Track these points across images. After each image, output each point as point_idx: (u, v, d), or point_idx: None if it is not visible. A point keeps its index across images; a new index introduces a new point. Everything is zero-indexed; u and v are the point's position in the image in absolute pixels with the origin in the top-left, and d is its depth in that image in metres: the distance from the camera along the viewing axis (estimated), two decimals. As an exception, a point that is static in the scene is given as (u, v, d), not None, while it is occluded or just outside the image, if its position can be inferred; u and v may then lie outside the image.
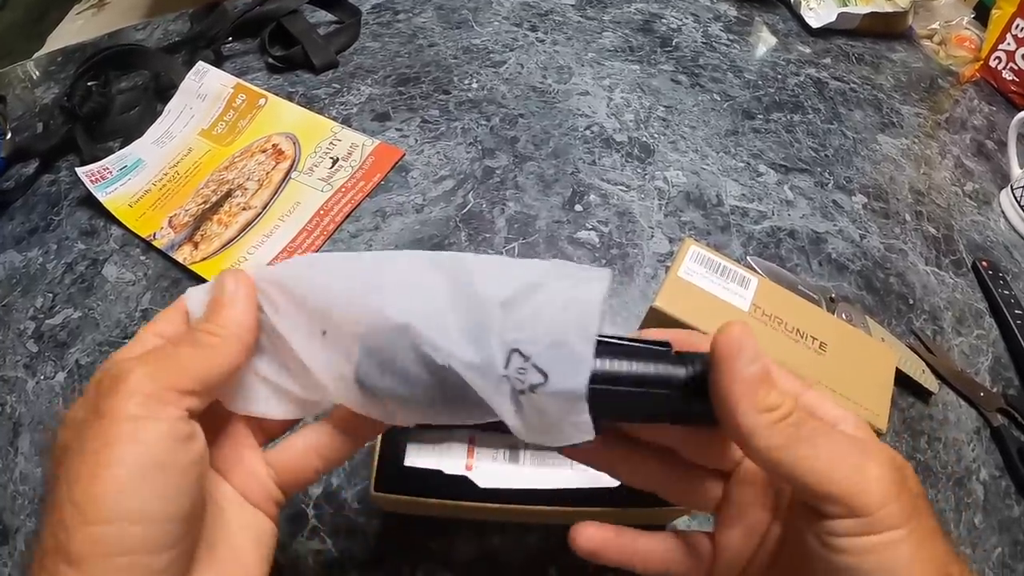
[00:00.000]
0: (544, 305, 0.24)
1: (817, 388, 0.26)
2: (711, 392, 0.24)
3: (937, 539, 0.22)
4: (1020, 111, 0.71)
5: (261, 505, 0.28)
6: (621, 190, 0.63)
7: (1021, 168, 0.70)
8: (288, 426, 0.30)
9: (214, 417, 0.26)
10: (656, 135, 0.69)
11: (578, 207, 0.62)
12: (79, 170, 0.59)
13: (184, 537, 0.22)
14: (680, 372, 0.25)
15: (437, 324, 0.24)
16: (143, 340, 0.26)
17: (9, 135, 0.64)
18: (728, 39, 0.83)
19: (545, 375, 0.23)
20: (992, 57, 0.84)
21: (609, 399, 0.24)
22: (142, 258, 0.56)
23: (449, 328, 0.24)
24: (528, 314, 0.24)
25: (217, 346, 0.24)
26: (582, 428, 0.23)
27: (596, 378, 0.23)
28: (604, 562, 0.28)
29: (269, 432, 0.29)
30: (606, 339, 0.25)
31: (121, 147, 0.63)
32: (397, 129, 0.67)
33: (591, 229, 0.60)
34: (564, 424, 0.23)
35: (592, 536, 0.27)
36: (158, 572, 0.21)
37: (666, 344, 0.26)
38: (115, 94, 0.69)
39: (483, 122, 0.68)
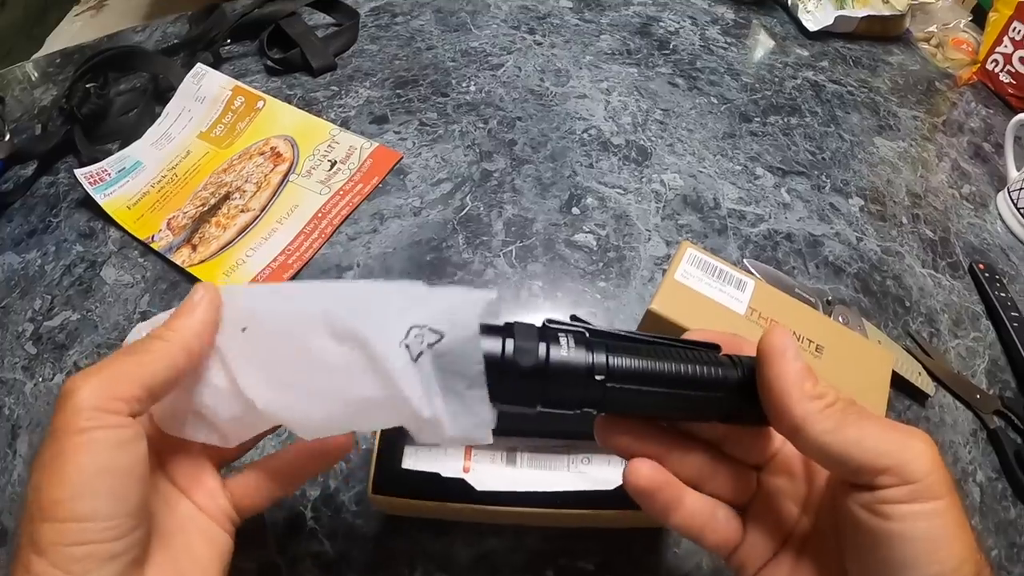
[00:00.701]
0: (437, 300, 0.26)
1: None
2: (760, 389, 0.26)
3: (966, 519, 0.24)
4: (1017, 114, 0.71)
5: (217, 522, 0.30)
6: (618, 193, 0.64)
7: (1018, 171, 0.70)
8: (242, 452, 0.34)
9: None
10: (653, 138, 0.69)
11: (575, 210, 0.62)
12: (78, 172, 0.59)
13: (136, 527, 0.25)
14: (733, 374, 0.26)
15: (354, 315, 0.26)
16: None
17: (8, 136, 0.64)
18: (726, 42, 0.83)
19: (441, 334, 0.24)
20: (989, 60, 0.84)
21: (666, 399, 0.26)
22: (141, 260, 0.56)
23: (360, 321, 0.26)
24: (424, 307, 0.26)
25: (160, 351, 0.26)
26: (479, 389, 0.24)
27: (653, 379, 0.26)
28: (649, 504, 0.28)
29: (223, 456, 0.33)
30: (660, 339, 0.27)
31: (120, 149, 0.64)
32: (395, 132, 0.67)
33: (588, 232, 0.60)
34: (467, 396, 0.24)
35: (649, 476, 0.28)
36: (113, 557, 0.24)
37: (716, 347, 0.28)
38: (114, 96, 0.69)
39: (481, 125, 0.68)
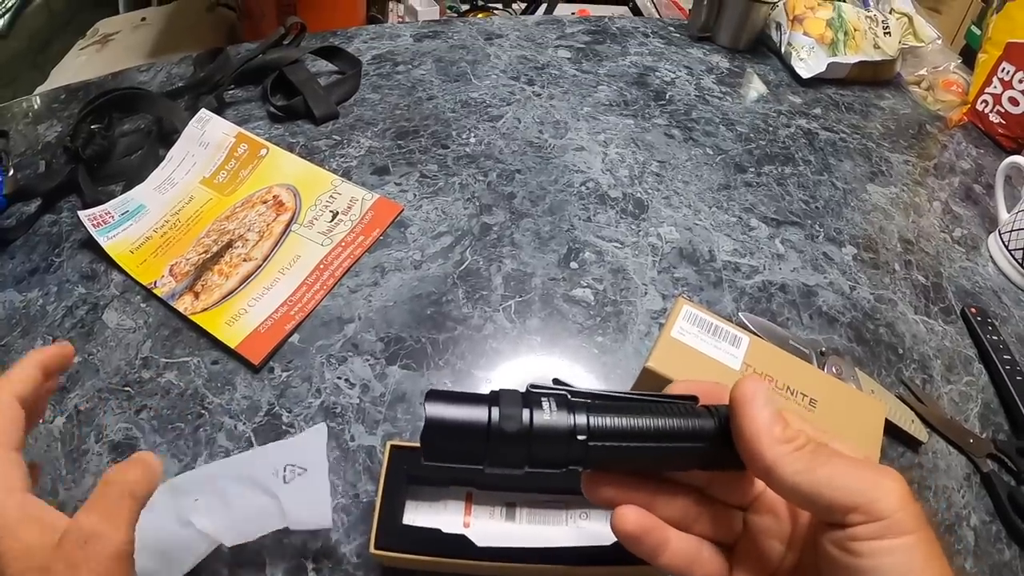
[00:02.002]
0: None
1: (825, 430, 0.29)
2: (734, 435, 0.27)
3: (941, 551, 0.24)
4: (1007, 154, 0.72)
5: None
6: (615, 247, 0.64)
7: (1008, 212, 0.71)
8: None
9: None
10: (650, 190, 0.70)
11: (573, 264, 0.63)
12: (81, 214, 0.59)
13: None
14: (709, 424, 0.28)
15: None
16: None
17: (11, 172, 0.65)
18: (720, 91, 0.85)
19: (305, 468, 0.42)
20: (979, 100, 0.86)
21: (646, 453, 0.28)
22: (143, 305, 0.57)
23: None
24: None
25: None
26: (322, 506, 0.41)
27: (633, 435, 0.27)
28: (636, 547, 0.29)
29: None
30: (639, 395, 0.29)
31: (123, 191, 0.64)
32: (396, 183, 0.68)
33: (586, 287, 0.61)
34: (318, 501, 0.41)
35: (635, 521, 0.29)
36: None
37: (694, 399, 0.29)
38: (118, 136, 0.70)
39: (480, 177, 0.69)
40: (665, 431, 0.27)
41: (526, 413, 0.26)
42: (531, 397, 0.27)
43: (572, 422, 0.27)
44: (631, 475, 0.30)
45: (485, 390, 0.27)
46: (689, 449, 0.28)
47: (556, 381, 0.29)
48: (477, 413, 0.26)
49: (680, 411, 0.28)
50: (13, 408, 0.34)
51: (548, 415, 0.27)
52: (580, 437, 0.26)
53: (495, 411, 0.26)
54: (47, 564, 0.28)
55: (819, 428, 0.28)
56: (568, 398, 0.27)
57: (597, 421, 0.27)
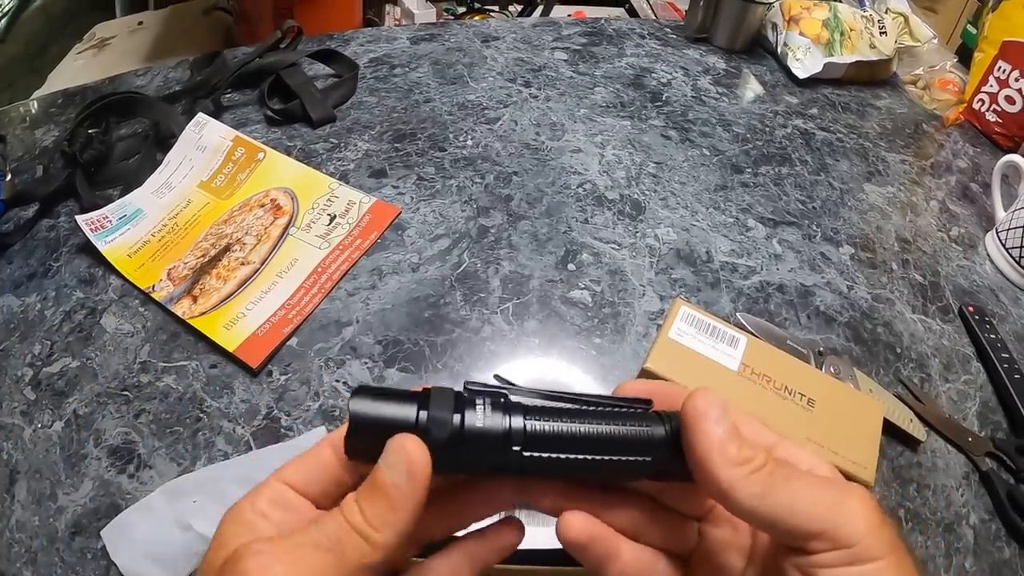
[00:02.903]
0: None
1: (790, 439, 0.27)
2: (686, 452, 0.25)
3: (915, 571, 0.23)
4: (1004, 153, 0.72)
5: None
6: (613, 248, 0.65)
7: (1005, 211, 0.71)
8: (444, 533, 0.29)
9: None
10: (647, 192, 0.70)
11: (571, 266, 0.63)
12: (79, 218, 0.59)
13: None
14: (660, 432, 0.26)
15: None
16: (272, 490, 0.25)
17: (9, 176, 0.65)
18: (717, 92, 0.85)
19: None
20: (975, 99, 0.86)
21: (588, 464, 0.25)
22: (141, 309, 0.57)
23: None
24: None
25: (362, 555, 0.22)
26: None
27: (574, 444, 0.25)
28: (583, 556, 0.27)
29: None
30: (588, 398, 0.26)
31: (121, 195, 0.64)
32: (393, 186, 0.68)
33: (584, 288, 0.61)
34: None
35: (581, 528, 0.26)
36: None
37: (647, 402, 0.27)
38: (115, 141, 0.70)
39: (478, 180, 0.70)
40: (610, 441, 0.25)
41: (456, 417, 0.24)
42: (464, 398, 0.25)
43: (507, 426, 0.24)
44: (574, 483, 0.28)
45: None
46: (636, 462, 0.26)
47: (497, 378, 0.26)
48: (404, 413, 0.24)
49: (630, 417, 0.26)
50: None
51: (481, 419, 0.24)
52: (515, 447, 0.24)
53: (423, 414, 0.24)
54: None
55: (783, 435, 0.27)
56: (505, 400, 0.25)
57: (535, 426, 0.25)
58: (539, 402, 0.26)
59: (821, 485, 0.23)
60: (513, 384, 0.26)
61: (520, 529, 0.28)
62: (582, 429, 0.25)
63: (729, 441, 0.24)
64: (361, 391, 0.25)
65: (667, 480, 0.27)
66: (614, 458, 0.25)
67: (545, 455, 0.25)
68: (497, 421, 0.24)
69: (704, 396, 0.25)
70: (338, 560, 0.22)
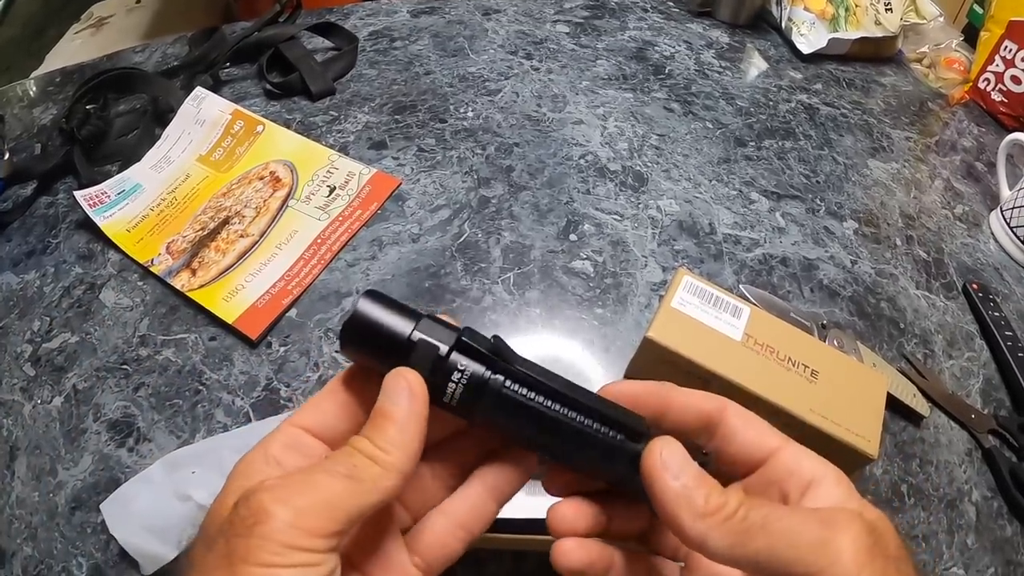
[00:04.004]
0: None
1: (796, 444, 0.26)
2: (654, 506, 0.24)
3: None
4: (1009, 132, 0.72)
5: None
6: (615, 219, 0.64)
7: (1010, 190, 0.71)
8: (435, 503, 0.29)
9: None
10: (649, 164, 0.70)
11: (572, 236, 0.62)
12: (77, 194, 0.59)
13: None
14: (629, 448, 0.26)
15: None
16: (286, 435, 0.25)
17: (7, 155, 0.64)
18: (720, 66, 0.84)
19: None
20: (981, 79, 0.85)
21: (546, 451, 0.27)
22: (140, 284, 0.56)
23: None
24: None
25: (376, 478, 0.23)
26: None
27: (540, 422, 0.26)
28: None
29: (416, 513, 0.28)
30: (584, 398, 0.26)
31: (119, 171, 0.64)
32: (394, 158, 0.67)
33: (585, 259, 0.60)
34: None
35: (582, 557, 0.26)
36: None
37: (641, 426, 0.27)
38: (113, 117, 0.70)
39: (479, 151, 0.69)
40: (577, 438, 0.25)
41: (443, 349, 0.25)
42: (459, 343, 0.26)
43: (485, 379, 0.25)
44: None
45: None
46: (599, 467, 0.26)
47: (495, 338, 0.27)
48: (401, 325, 0.25)
49: (611, 424, 0.26)
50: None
51: (465, 362, 0.25)
52: (479, 400, 0.25)
53: (416, 334, 0.25)
54: None
55: (813, 409, 0.25)
56: (494, 362, 0.26)
57: (509, 393, 0.25)
58: (527, 372, 0.26)
59: (804, 523, 0.22)
60: (512, 354, 0.26)
61: (535, 456, 0.28)
62: (552, 414, 0.26)
63: (695, 492, 0.23)
64: (371, 294, 0.26)
65: (628, 491, 0.27)
66: (575, 455, 0.26)
67: (504, 420, 0.26)
68: (477, 370, 0.25)
69: (659, 450, 0.24)
70: (354, 485, 0.22)
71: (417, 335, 0.25)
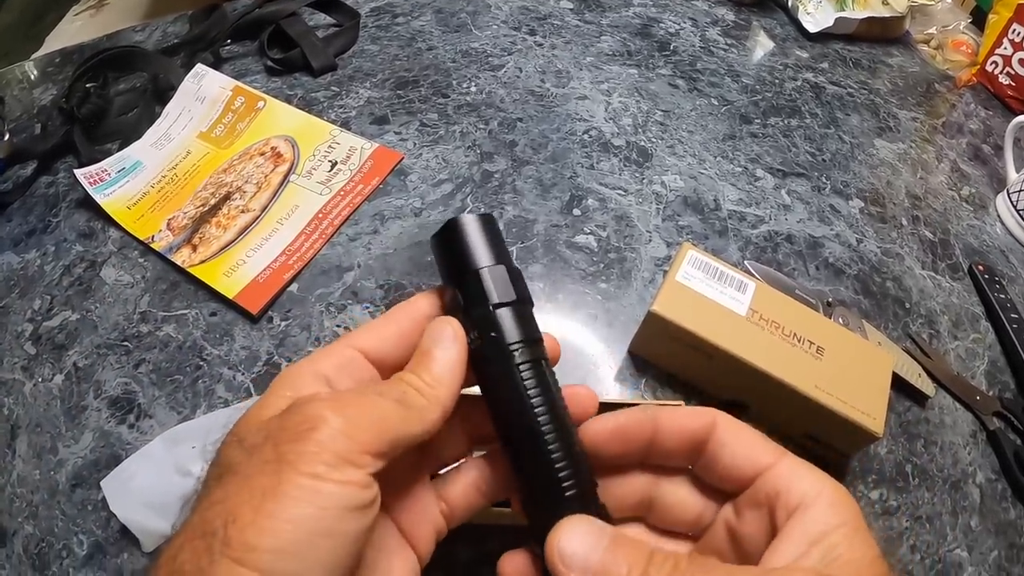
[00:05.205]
0: None
1: (793, 456, 0.24)
2: None
3: None
4: (1016, 115, 0.71)
5: (422, 542, 0.27)
6: (619, 194, 0.64)
7: (1017, 172, 0.70)
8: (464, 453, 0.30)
9: None
10: (654, 139, 0.69)
11: (576, 211, 0.62)
12: (77, 172, 0.59)
13: None
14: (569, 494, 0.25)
15: None
16: (339, 355, 0.26)
17: (7, 136, 0.64)
18: (726, 43, 0.83)
19: None
20: (989, 62, 0.84)
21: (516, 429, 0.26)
22: (141, 260, 0.56)
23: None
24: None
25: (423, 409, 0.24)
26: None
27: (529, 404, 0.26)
28: None
29: (444, 460, 0.29)
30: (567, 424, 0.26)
31: (119, 149, 0.63)
32: (396, 132, 0.67)
33: (589, 233, 0.60)
34: None
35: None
36: None
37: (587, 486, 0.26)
38: (113, 96, 0.69)
39: (481, 126, 0.68)
40: (545, 449, 0.25)
41: (494, 298, 0.26)
42: (517, 301, 0.27)
43: (513, 344, 0.26)
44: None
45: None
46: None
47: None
48: (485, 255, 0.27)
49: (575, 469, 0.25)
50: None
51: (509, 320, 0.26)
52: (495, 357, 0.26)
53: (487, 270, 0.27)
54: None
55: (818, 386, 0.25)
56: (524, 341, 0.26)
57: (523, 370, 0.26)
58: (544, 371, 0.27)
59: None
60: (545, 353, 0.28)
61: None
62: (534, 416, 0.25)
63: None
64: (485, 217, 0.28)
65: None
66: (523, 465, 0.26)
67: (492, 391, 0.27)
68: (514, 336, 0.26)
69: (559, 539, 0.23)
70: (404, 411, 0.23)
71: (484, 272, 0.27)
